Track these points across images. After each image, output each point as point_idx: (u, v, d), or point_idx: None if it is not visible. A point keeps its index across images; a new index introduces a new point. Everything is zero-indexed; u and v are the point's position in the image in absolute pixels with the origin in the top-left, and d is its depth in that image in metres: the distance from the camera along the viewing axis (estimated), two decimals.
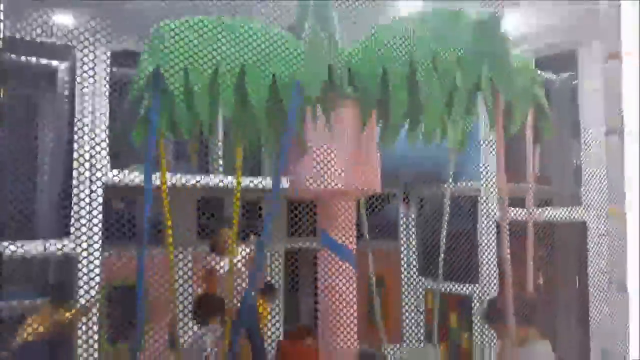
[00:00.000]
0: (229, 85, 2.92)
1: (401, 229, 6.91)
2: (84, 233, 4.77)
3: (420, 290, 6.77)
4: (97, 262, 4.76)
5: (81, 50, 4.76)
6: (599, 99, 4.65)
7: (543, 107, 3.57)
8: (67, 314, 4.43)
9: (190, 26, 2.93)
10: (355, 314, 3.39)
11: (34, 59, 5.35)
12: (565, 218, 5.12)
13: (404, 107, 3.12)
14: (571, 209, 5.12)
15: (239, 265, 4.57)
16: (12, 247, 4.30)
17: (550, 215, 5.17)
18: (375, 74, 3.11)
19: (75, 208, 4.80)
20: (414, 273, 6.79)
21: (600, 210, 4.87)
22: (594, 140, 4.87)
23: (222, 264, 4.62)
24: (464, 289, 6.15)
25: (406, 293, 6.79)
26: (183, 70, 2.85)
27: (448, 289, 6.32)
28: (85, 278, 4.69)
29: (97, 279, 4.76)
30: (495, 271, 5.83)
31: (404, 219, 6.90)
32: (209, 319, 4.20)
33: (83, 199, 4.80)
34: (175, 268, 5.84)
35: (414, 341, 6.78)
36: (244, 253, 4.69)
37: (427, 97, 3.08)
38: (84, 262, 4.71)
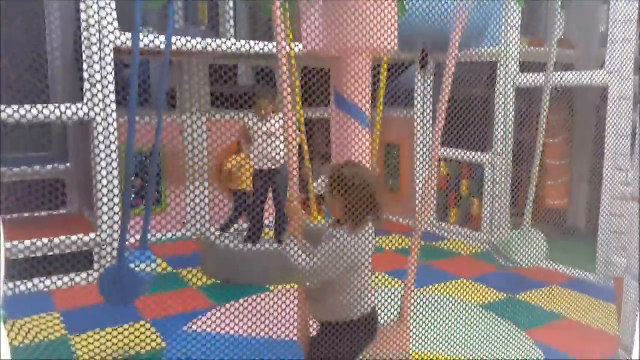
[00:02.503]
0: None
1: (417, 94, 6.82)
2: (96, 95, 4.76)
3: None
4: (113, 125, 4.79)
5: None
6: None
7: None
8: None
9: None
10: None
11: None
12: (587, 82, 4.99)
13: None
14: (593, 73, 4.98)
15: (277, 127, 5.18)
16: (31, 112, 4.35)
17: (571, 80, 5.04)
18: None
19: (87, 72, 4.76)
20: (428, 141, 6.78)
21: (624, 74, 4.73)
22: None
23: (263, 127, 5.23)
24: (477, 157, 6.18)
25: (420, 160, 6.83)
26: None
27: (461, 156, 6.37)
28: (104, 142, 4.75)
29: (115, 143, 4.83)
30: (510, 138, 5.81)
31: (420, 85, 6.79)
32: None
33: (93, 61, 4.74)
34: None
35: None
36: (278, 119, 5.23)
37: None
38: (100, 127, 4.74)
